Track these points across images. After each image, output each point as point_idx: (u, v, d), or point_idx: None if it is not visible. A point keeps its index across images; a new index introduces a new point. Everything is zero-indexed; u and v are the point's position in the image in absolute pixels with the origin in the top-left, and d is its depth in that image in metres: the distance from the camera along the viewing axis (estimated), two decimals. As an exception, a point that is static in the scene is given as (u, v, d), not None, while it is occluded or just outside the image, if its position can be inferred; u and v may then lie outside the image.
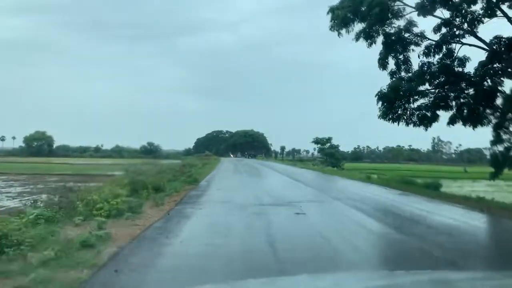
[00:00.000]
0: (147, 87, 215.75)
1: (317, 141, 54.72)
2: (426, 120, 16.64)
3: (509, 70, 15.40)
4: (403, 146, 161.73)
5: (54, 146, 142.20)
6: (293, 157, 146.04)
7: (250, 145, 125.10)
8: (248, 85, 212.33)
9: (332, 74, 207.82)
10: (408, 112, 16.80)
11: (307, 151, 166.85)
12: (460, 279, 2.09)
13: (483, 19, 15.36)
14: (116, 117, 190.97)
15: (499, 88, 15.72)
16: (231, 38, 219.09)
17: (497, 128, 15.69)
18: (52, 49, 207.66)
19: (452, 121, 16.62)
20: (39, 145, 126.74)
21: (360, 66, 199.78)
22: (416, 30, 16.61)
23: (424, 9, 15.31)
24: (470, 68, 16.34)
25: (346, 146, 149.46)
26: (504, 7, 14.59)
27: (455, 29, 16.12)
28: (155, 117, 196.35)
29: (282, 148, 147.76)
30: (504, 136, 15.57)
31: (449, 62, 16.42)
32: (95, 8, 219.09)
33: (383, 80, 16.87)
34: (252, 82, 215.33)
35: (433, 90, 16.75)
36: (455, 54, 16.45)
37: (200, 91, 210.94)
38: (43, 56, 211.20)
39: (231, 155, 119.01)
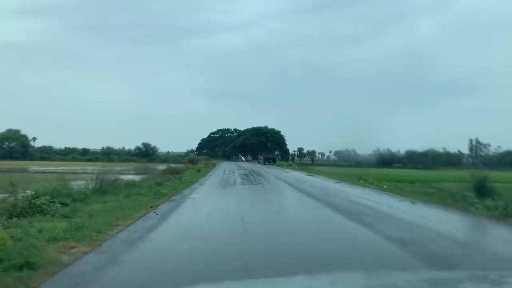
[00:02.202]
0: (155, 90, 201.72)
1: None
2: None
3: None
4: (432, 149, 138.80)
5: (35, 147, 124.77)
6: (313, 161, 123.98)
7: (263, 145, 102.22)
8: (257, 87, 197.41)
9: (342, 76, 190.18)
10: None
11: (322, 154, 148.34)
12: (457, 279, 2.05)
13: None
14: (122, 119, 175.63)
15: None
16: (239, 40, 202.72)
17: None
18: (59, 52, 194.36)
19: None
20: (11, 146, 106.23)
21: (371, 67, 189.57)
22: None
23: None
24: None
25: (362, 148, 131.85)
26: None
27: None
28: (162, 120, 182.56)
29: (300, 150, 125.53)
30: None
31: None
32: (102, 10, 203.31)
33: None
34: (261, 84, 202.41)
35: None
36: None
37: (209, 93, 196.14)
38: (50, 59, 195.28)
39: (242, 158, 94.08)
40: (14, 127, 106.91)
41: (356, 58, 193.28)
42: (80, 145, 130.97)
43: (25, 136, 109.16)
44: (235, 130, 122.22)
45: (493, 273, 2.11)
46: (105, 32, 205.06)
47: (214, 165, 50.93)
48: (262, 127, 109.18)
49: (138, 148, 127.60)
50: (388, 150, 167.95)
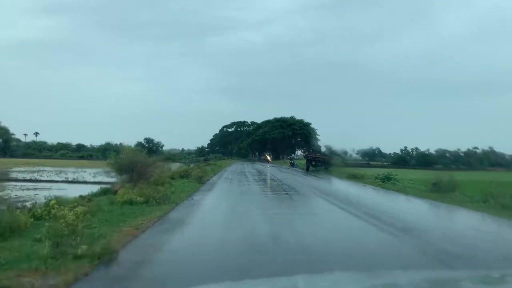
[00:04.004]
0: (169, 87, 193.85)
1: None
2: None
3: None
4: (476, 148, 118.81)
5: (23, 142, 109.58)
6: (344, 162, 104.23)
7: (288, 140, 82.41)
8: (275, 85, 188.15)
9: (364, 73, 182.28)
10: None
11: (345, 153, 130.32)
12: (459, 278, 2.07)
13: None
14: (136, 116, 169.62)
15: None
16: (258, 37, 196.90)
17: None
18: (77, 50, 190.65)
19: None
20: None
21: (392, 65, 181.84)
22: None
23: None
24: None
25: (386, 147, 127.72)
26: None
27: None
28: (177, 117, 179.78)
29: (329, 148, 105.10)
30: None
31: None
32: (120, 8, 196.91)
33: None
34: (279, 82, 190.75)
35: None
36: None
37: (225, 91, 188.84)
38: (68, 57, 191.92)
39: (268, 158, 67.28)
40: (21, 123, 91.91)
41: (378, 55, 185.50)
42: (84, 141, 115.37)
43: (5, 129, 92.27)
44: (252, 123, 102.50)
45: (495, 273, 2.07)
46: (119, 29, 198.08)
47: (202, 181, 21.12)
48: (287, 118, 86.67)
49: (139, 144, 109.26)
50: (416, 149, 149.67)
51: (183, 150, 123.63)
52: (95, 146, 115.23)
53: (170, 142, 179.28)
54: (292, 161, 56.66)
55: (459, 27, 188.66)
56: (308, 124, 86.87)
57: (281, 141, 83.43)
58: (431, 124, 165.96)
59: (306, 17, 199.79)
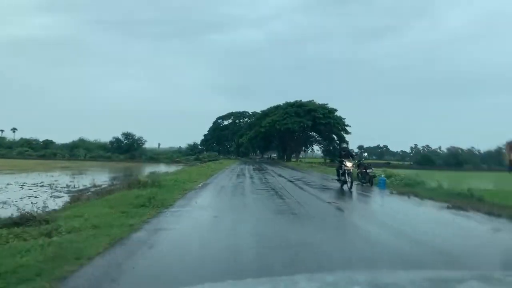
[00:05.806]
0: (172, 85, 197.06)
1: None
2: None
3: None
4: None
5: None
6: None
7: (304, 134, 62.94)
8: (278, 83, 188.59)
9: (365, 72, 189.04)
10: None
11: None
12: (462, 278, 2.01)
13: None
14: (137, 115, 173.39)
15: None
16: (259, 35, 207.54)
17: None
18: (77, 48, 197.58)
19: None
20: None
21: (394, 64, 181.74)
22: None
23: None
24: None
25: (394, 145, 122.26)
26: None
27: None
28: (178, 116, 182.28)
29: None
30: None
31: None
32: (120, 6, 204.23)
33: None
34: (281, 80, 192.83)
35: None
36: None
37: (227, 90, 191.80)
38: (67, 55, 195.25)
39: (346, 164, 20.48)
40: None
41: (382, 53, 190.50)
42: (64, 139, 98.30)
43: None
44: (254, 113, 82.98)
45: (498, 273, 1.98)
46: (127, 28, 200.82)
47: None
48: (305, 102, 62.78)
49: (117, 140, 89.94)
50: (427, 147, 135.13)
51: (179, 148, 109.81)
52: (66, 143, 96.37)
53: (168, 140, 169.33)
54: (370, 169, 17.91)
55: (468, 23, 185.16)
56: (333, 111, 63.27)
57: (296, 134, 63.67)
58: (436, 122, 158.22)
59: (308, 14, 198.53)
